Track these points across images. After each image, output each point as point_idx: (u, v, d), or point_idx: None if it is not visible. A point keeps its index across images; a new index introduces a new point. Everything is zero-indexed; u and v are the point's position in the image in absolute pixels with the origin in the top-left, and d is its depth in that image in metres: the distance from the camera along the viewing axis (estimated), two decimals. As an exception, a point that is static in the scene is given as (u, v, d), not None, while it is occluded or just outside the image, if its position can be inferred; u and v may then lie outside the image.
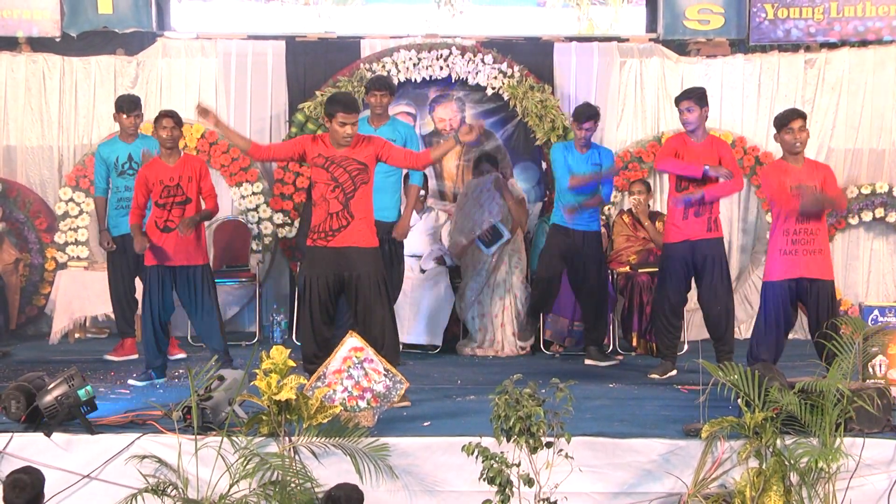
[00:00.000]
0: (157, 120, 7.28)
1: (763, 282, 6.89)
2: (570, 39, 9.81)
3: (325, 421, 5.41)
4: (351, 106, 6.48)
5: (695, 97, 7.32)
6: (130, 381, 7.18)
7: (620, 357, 8.37)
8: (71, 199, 9.40)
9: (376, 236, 6.69)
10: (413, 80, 9.46)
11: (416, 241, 8.86)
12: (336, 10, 10.13)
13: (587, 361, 8.11)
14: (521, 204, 8.94)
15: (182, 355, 8.19)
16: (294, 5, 10.24)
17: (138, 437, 5.59)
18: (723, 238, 7.57)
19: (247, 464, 5.27)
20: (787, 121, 6.63)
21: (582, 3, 10.07)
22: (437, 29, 9.78)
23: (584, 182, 7.81)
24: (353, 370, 5.91)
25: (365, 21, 10.08)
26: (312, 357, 6.58)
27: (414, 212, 8.87)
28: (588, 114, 7.88)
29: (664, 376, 7.48)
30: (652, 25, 9.99)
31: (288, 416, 5.36)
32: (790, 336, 9.24)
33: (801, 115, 6.68)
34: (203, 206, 7.31)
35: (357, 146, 6.53)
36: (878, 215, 9.49)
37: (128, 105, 8.02)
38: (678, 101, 7.42)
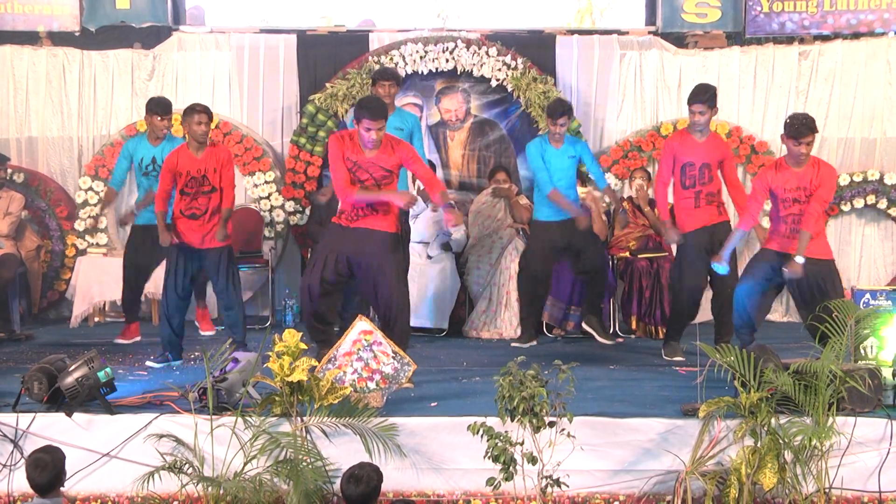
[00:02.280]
0: (188, 113, 7.15)
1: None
2: (572, 32, 9.78)
3: (336, 402, 5.42)
4: (377, 112, 6.41)
5: (707, 101, 7.21)
6: (149, 363, 7.20)
7: (620, 340, 8.35)
8: (90, 188, 9.40)
9: (397, 224, 6.71)
10: (420, 72, 9.45)
11: (423, 228, 8.86)
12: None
13: (584, 326, 8.08)
14: (526, 207, 8.93)
15: (211, 332, 8.19)
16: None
17: (156, 417, 5.61)
18: (730, 221, 7.56)
19: (257, 441, 5.29)
20: (800, 135, 6.51)
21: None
22: (447, 11, 9.77)
23: (563, 206, 7.77)
24: (363, 353, 5.92)
25: (377, 6, 10.00)
26: (313, 319, 6.75)
27: (420, 199, 8.90)
28: (561, 109, 7.81)
29: (673, 357, 7.46)
30: (651, 19, 9.95)
31: (300, 397, 5.37)
32: (784, 319, 9.35)
33: (814, 130, 6.58)
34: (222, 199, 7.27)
35: (384, 150, 6.52)
36: (869, 202, 9.46)
37: (163, 108, 7.97)
38: (690, 102, 7.31)
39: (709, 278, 7.49)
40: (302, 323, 8.76)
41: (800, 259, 6.49)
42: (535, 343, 8.14)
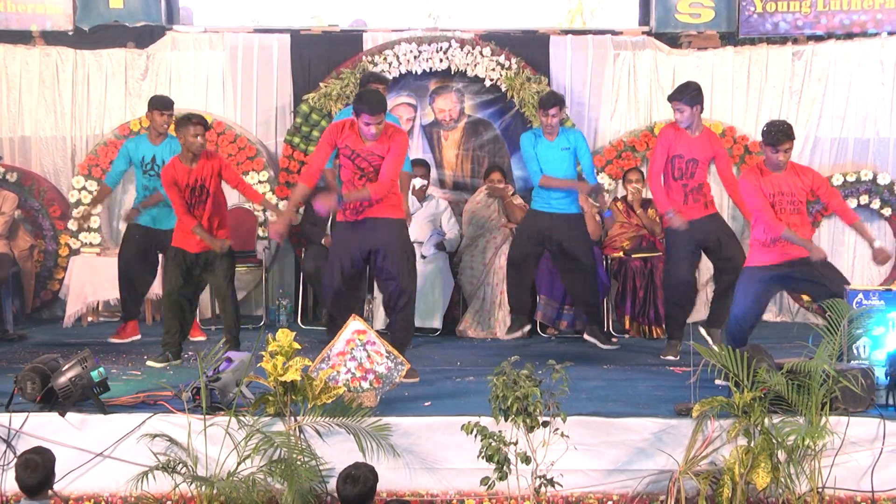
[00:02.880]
0: (184, 124, 7.07)
1: (744, 267, 6.89)
2: (566, 32, 9.78)
3: (329, 401, 5.43)
4: (376, 107, 6.47)
5: (685, 99, 7.26)
6: (149, 363, 7.19)
7: (615, 340, 8.32)
8: (84, 188, 9.38)
9: (402, 209, 6.76)
10: (414, 72, 9.44)
11: (417, 228, 8.84)
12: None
13: (586, 336, 8.03)
14: (520, 207, 8.95)
15: (202, 338, 8.20)
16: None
17: (149, 417, 5.61)
18: (718, 213, 7.59)
19: (251, 441, 5.28)
20: (778, 142, 6.51)
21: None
22: (437, 11, 9.77)
23: (557, 186, 7.72)
24: (356, 352, 5.91)
25: (369, 6, 9.97)
26: (333, 317, 6.85)
27: (415, 199, 8.90)
28: (553, 101, 7.75)
29: (678, 356, 7.45)
30: (645, 19, 9.95)
31: (293, 397, 5.37)
32: (777, 319, 9.35)
33: (791, 137, 6.58)
34: (229, 198, 7.42)
35: (381, 140, 6.56)
36: (862, 202, 9.46)
37: (164, 104, 7.99)
38: (670, 99, 7.39)
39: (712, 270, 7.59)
40: (295, 322, 8.83)
41: (878, 243, 6.82)
42: (527, 328, 8.08)
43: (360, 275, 6.89)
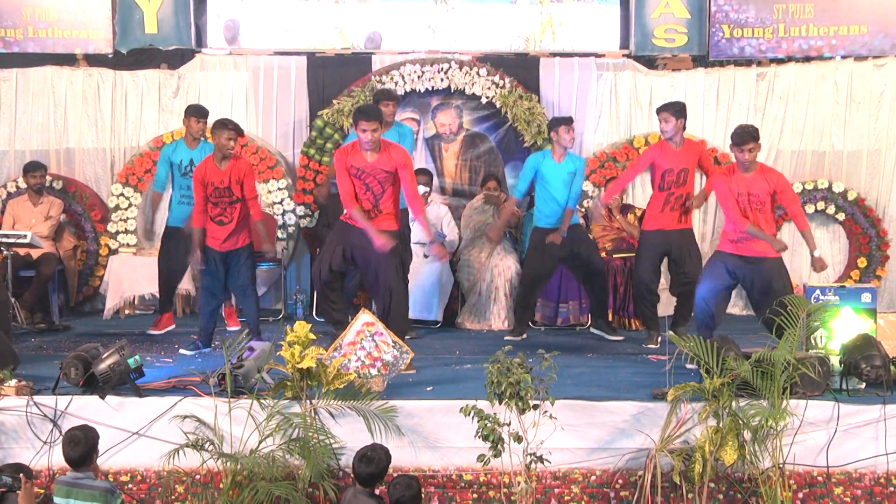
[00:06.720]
0: (220, 128, 7.10)
1: (715, 250, 6.93)
2: (554, 55, 9.77)
3: (341, 386, 5.43)
4: (370, 114, 6.52)
5: (671, 110, 7.29)
6: (182, 351, 7.18)
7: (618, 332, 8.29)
8: (121, 194, 9.37)
9: (398, 222, 6.75)
10: (417, 91, 9.43)
11: (421, 230, 8.82)
12: (353, 7, 9.85)
13: (593, 330, 8.02)
14: (513, 213, 8.95)
15: (237, 327, 8.18)
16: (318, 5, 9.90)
17: (180, 400, 5.61)
18: (692, 229, 7.57)
19: (271, 422, 5.28)
20: (742, 142, 6.51)
21: (544, 1, 9.93)
22: (435, 23, 9.74)
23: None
24: (365, 342, 5.91)
25: (380, 20, 9.89)
26: (323, 300, 7.05)
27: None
28: (572, 119, 7.72)
29: (658, 344, 7.43)
30: (625, 43, 9.93)
31: (309, 382, 5.36)
32: (743, 312, 9.32)
33: (755, 138, 6.55)
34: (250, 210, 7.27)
35: (384, 153, 6.56)
36: (819, 208, 9.47)
37: (200, 112, 7.97)
38: (658, 111, 7.39)
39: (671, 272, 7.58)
40: (311, 315, 8.81)
41: (817, 253, 6.65)
42: (525, 336, 8.05)
43: (342, 272, 6.93)
